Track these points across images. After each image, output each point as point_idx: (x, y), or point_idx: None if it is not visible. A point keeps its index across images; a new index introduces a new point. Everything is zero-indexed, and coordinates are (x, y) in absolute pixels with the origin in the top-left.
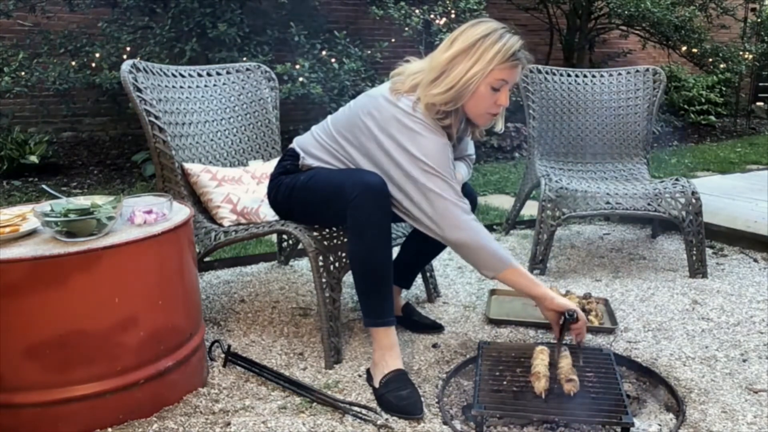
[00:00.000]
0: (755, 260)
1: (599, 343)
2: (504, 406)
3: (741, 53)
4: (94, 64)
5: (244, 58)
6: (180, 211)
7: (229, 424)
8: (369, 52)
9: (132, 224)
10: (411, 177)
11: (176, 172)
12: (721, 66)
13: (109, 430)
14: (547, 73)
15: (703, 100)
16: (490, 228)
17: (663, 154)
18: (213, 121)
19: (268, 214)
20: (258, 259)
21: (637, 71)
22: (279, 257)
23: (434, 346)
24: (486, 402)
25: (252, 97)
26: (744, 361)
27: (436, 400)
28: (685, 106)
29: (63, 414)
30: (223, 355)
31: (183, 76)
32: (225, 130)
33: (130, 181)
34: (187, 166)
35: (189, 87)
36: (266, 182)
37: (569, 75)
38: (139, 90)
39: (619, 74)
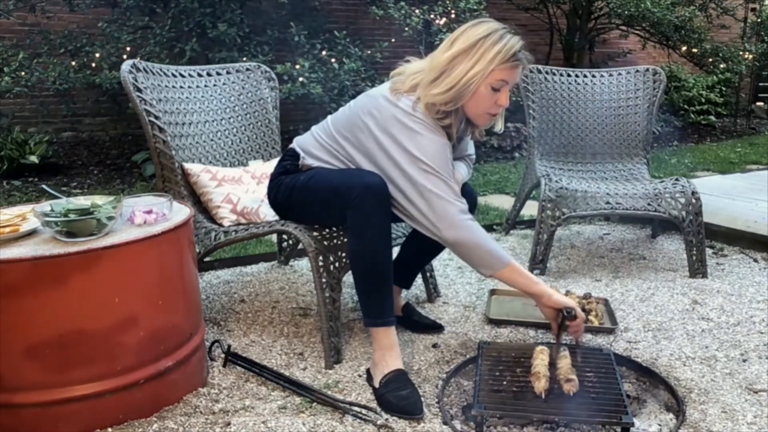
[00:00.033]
0: (755, 260)
1: (599, 343)
2: (504, 406)
3: (741, 53)
4: (94, 64)
5: (244, 58)
6: (180, 211)
7: (229, 424)
8: (369, 52)
9: (132, 224)
10: (409, 176)
11: (176, 172)
12: (721, 66)
13: (109, 430)
14: (547, 73)
15: (703, 100)
16: (490, 228)
17: (663, 154)
18: (213, 121)
19: (268, 214)
20: (258, 259)
21: (637, 71)
22: (279, 257)
23: (434, 346)
24: (486, 402)
25: (252, 97)
26: (744, 361)
27: (436, 400)
28: (685, 106)
29: (63, 414)
30: (223, 355)
31: (183, 76)
32: (225, 130)
33: (130, 181)
34: (187, 166)
35: (189, 87)
36: (266, 182)
37: (569, 75)
38: (139, 90)
39: (619, 74)
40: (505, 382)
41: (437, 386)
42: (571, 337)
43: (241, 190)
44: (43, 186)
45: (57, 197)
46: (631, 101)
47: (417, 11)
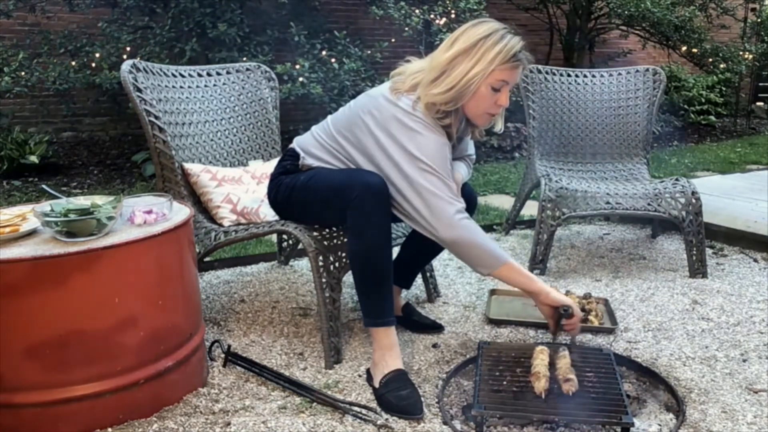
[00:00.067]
0: (755, 260)
1: (599, 343)
2: (504, 406)
3: (741, 53)
4: (94, 64)
5: (244, 58)
6: (180, 211)
7: (229, 424)
8: (369, 52)
9: (132, 224)
10: (406, 175)
11: (176, 172)
12: (721, 66)
13: (109, 430)
14: (547, 73)
15: (703, 100)
16: (490, 228)
17: (663, 154)
18: (213, 121)
19: (268, 214)
20: (258, 259)
21: (637, 71)
22: (279, 257)
23: (434, 346)
24: (486, 402)
25: (252, 97)
26: (744, 361)
27: (436, 400)
28: (685, 106)
29: (63, 414)
30: (223, 355)
31: (183, 76)
32: (225, 130)
33: (130, 181)
34: (187, 166)
35: (189, 87)
36: (266, 182)
37: (569, 75)
38: (139, 90)
39: (619, 74)
40: (505, 382)
41: (437, 386)
42: (567, 335)
43: (241, 190)
44: (43, 186)
45: (57, 197)
46: (631, 101)
47: (417, 11)
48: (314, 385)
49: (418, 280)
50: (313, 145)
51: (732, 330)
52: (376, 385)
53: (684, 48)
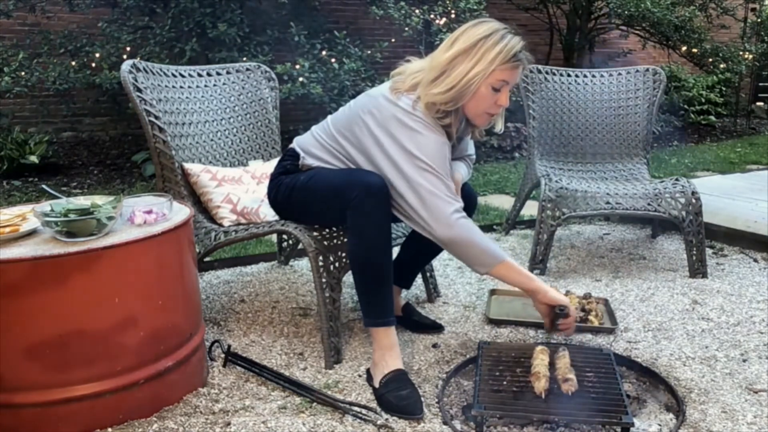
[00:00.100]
0: (755, 260)
1: (599, 343)
2: (504, 406)
3: (741, 53)
4: (94, 64)
5: (244, 58)
6: (180, 211)
7: (229, 424)
8: (369, 52)
9: (132, 224)
10: (404, 173)
11: (176, 172)
12: (721, 66)
13: (109, 430)
14: (547, 73)
15: (703, 100)
16: (490, 228)
17: (663, 154)
18: (213, 121)
19: (268, 214)
20: (258, 259)
21: (637, 71)
22: (279, 257)
23: (434, 346)
24: (486, 402)
25: (252, 97)
26: (744, 361)
27: (436, 400)
28: (685, 106)
29: (63, 414)
30: (223, 355)
31: (183, 76)
32: (225, 130)
33: (130, 181)
34: (187, 166)
35: (189, 87)
36: (266, 182)
37: (569, 75)
38: (139, 90)
39: (619, 74)
40: (505, 382)
41: (437, 386)
42: (562, 335)
43: (241, 190)
44: (43, 186)
45: (57, 197)
46: (631, 101)
47: (417, 11)
48: (314, 385)
49: (418, 280)
50: (313, 145)
51: (732, 330)
52: (376, 385)
53: (684, 48)
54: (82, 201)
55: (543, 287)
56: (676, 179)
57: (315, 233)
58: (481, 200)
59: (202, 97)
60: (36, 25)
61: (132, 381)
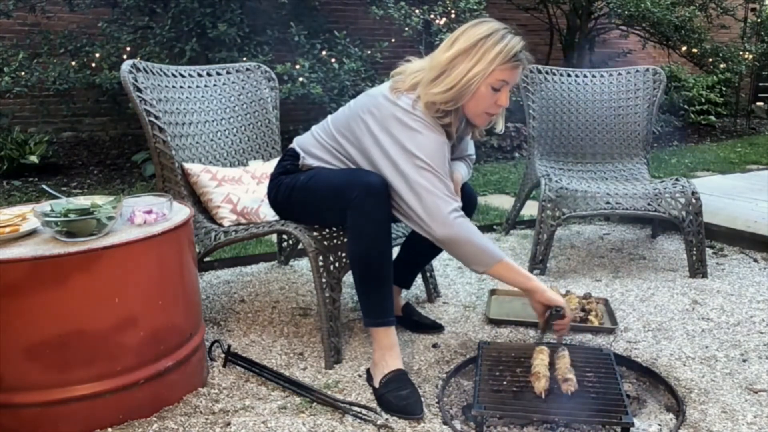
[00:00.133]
0: (755, 260)
1: (599, 343)
2: (504, 406)
3: (741, 53)
4: (94, 64)
5: (244, 58)
6: (180, 211)
7: (229, 424)
8: (369, 52)
9: (132, 224)
10: (402, 172)
11: (176, 172)
12: (721, 66)
13: (109, 430)
14: (547, 73)
15: (703, 100)
16: (490, 228)
17: (663, 154)
18: (213, 121)
19: (268, 214)
20: (258, 259)
21: (637, 71)
22: (279, 257)
23: (434, 346)
24: (486, 402)
25: (252, 97)
26: (744, 361)
27: (436, 400)
28: (685, 106)
29: (63, 414)
30: (223, 355)
31: (183, 76)
32: (225, 130)
33: (130, 181)
34: (187, 166)
35: (189, 87)
36: (266, 182)
37: (569, 75)
38: (139, 90)
39: (619, 74)
40: (505, 382)
41: (437, 386)
42: (556, 336)
43: (241, 190)
44: (43, 186)
45: (57, 197)
46: (631, 101)
47: (417, 11)
48: (314, 385)
49: (418, 280)
50: (313, 145)
51: (732, 330)
52: (376, 385)
53: (684, 48)
54: (82, 201)
55: (540, 287)
56: (676, 179)
57: (315, 233)
58: (481, 200)
59: (202, 97)
60: (36, 25)
61: (132, 381)
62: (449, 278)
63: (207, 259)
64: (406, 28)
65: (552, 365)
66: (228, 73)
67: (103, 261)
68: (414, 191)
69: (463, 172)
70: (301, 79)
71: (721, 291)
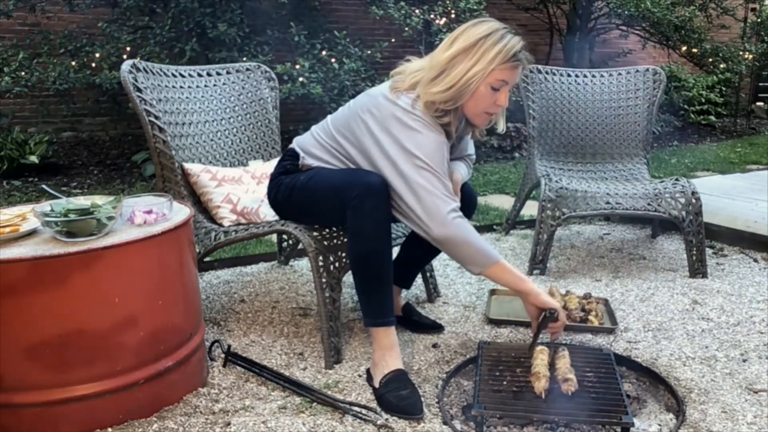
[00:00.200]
0: (755, 260)
1: (599, 343)
2: (504, 406)
3: (741, 53)
4: (94, 64)
5: (244, 58)
6: (180, 211)
7: (229, 424)
8: (369, 52)
9: (132, 224)
10: (401, 171)
11: (176, 172)
12: (721, 66)
13: (109, 430)
14: (547, 73)
15: (703, 100)
16: (490, 228)
17: (663, 154)
18: (213, 121)
19: (268, 214)
20: (258, 259)
21: (637, 71)
22: (279, 257)
23: (434, 346)
24: (486, 402)
25: (252, 97)
26: (744, 361)
27: (436, 400)
28: (685, 106)
29: (63, 414)
30: (223, 355)
31: (183, 76)
32: (225, 130)
33: (130, 181)
34: (187, 166)
35: (189, 87)
36: (266, 182)
37: (569, 75)
38: (139, 90)
39: (619, 74)
40: (505, 382)
41: (437, 386)
42: (549, 337)
43: (241, 190)
44: (43, 186)
45: (57, 197)
46: (631, 101)
47: (417, 11)
48: (314, 385)
49: (418, 280)
50: (313, 145)
51: (732, 330)
52: (376, 385)
53: (684, 48)
54: (82, 201)
55: (535, 289)
56: (676, 179)
57: (315, 233)
58: (481, 200)
59: (202, 97)
60: (36, 25)
61: (132, 381)
62: (449, 278)
63: (207, 259)
64: (406, 28)
65: (552, 365)
66: (228, 73)
67: (103, 261)
68: (413, 191)
69: (462, 172)
70: (301, 79)
71: (721, 291)
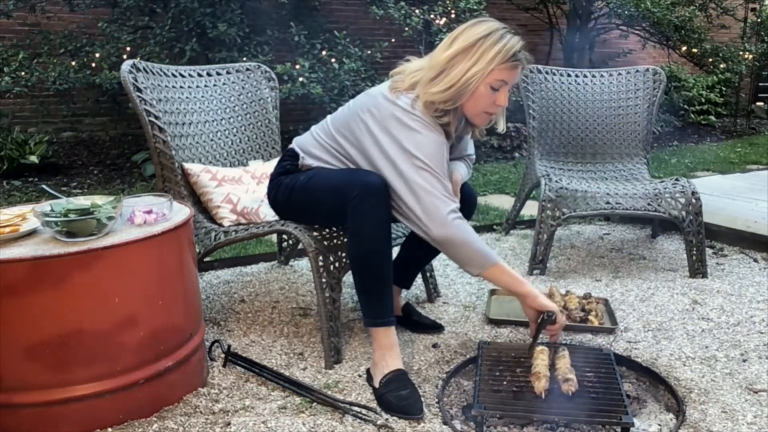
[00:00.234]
0: (755, 260)
1: (599, 343)
2: (504, 406)
3: (741, 53)
4: (94, 64)
5: (244, 58)
6: (180, 211)
7: (229, 424)
8: (369, 52)
9: (132, 224)
10: (401, 172)
11: (176, 172)
12: (721, 66)
13: (109, 430)
14: (547, 73)
15: (703, 100)
16: (490, 228)
17: (663, 154)
18: (213, 121)
19: (268, 214)
20: (258, 259)
21: (637, 71)
22: (279, 257)
23: (434, 346)
24: (486, 402)
25: (252, 97)
26: (744, 361)
27: (436, 400)
28: (685, 106)
29: (63, 414)
30: (223, 355)
31: (183, 76)
32: (225, 130)
33: (130, 181)
34: (187, 166)
35: (189, 87)
36: (266, 182)
37: (569, 75)
38: (139, 90)
39: (619, 74)
40: (505, 382)
41: (437, 386)
42: (549, 339)
43: (241, 190)
44: (43, 186)
45: (57, 197)
46: (631, 101)
47: (417, 11)
48: (314, 385)
49: (418, 280)
50: (313, 145)
51: (732, 330)
52: (376, 385)
53: (684, 48)
54: (82, 201)
55: (533, 292)
56: (676, 179)
57: (315, 233)
58: (481, 200)
59: (202, 97)
60: (36, 25)
61: (132, 381)
62: (449, 278)
63: (207, 259)
64: (406, 28)
65: (552, 365)
66: (228, 73)
67: (103, 261)
68: (412, 191)
69: (462, 171)
70: (301, 79)
71: (721, 291)
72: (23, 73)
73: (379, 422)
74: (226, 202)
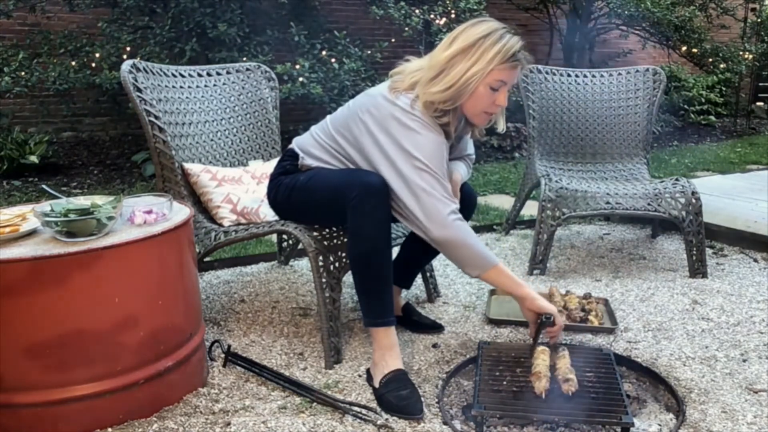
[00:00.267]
0: (755, 260)
1: (599, 343)
2: (504, 406)
3: (741, 53)
4: (94, 64)
5: (244, 58)
6: (180, 211)
7: (229, 424)
8: (369, 52)
9: (132, 224)
10: (401, 172)
11: (176, 172)
12: (721, 66)
13: (109, 430)
14: (547, 73)
15: (703, 100)
16: (490, 228)
17: (663, 154)
18: (213, 121)
19: (268, 214)
20: (258, 259)
21: (637, 71)
22: (279, 257)
23: (434, 346)
24: (486, 402)
25: (252, 97)
26: (744, 361)
27: (436, 400)
28: (685, 106)
29: (63, 414)
30: (223, 355)
31: (183, 76)
32: (225, 130)
33: (130, 181)
34: (187, 166)
35: (189, 87)
36: (266, 182)
37: (569, 75)
38: (139, 90)
39: (619, 74)
40: (505, 382)
41: (437, 386)
42: (547, 340)
43: (241, 190)
44: (43, 186)
45: (57, 197)
46: (631, 101)
47: (417, 11)
48: (314, 385)
49: (418, 280)
50: (312, 145)
51: (732, 330)
52: (376, 385)
53: (684, 48)
54: (82, 201)
55: (531, 294)
56: (676, 179)
57: (315, 233)
58: (481, 200)
59: (202, 97)
60: (36, 25)
61: (132, 381)
62: (449, 278)
63: (207, 259)
64: (406, 28)
65: (552, 365)
66: (228, 73)
67: (103, 261)
68: (412, 192)
69: (462, 171)
70: (301, 79)
71: (721, 291)
72: (23, 73)
73: (379, 422)
74: (226, 202)
